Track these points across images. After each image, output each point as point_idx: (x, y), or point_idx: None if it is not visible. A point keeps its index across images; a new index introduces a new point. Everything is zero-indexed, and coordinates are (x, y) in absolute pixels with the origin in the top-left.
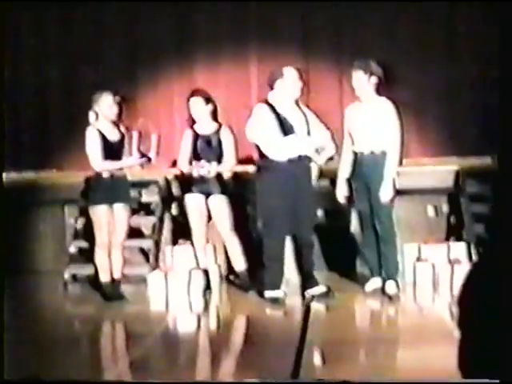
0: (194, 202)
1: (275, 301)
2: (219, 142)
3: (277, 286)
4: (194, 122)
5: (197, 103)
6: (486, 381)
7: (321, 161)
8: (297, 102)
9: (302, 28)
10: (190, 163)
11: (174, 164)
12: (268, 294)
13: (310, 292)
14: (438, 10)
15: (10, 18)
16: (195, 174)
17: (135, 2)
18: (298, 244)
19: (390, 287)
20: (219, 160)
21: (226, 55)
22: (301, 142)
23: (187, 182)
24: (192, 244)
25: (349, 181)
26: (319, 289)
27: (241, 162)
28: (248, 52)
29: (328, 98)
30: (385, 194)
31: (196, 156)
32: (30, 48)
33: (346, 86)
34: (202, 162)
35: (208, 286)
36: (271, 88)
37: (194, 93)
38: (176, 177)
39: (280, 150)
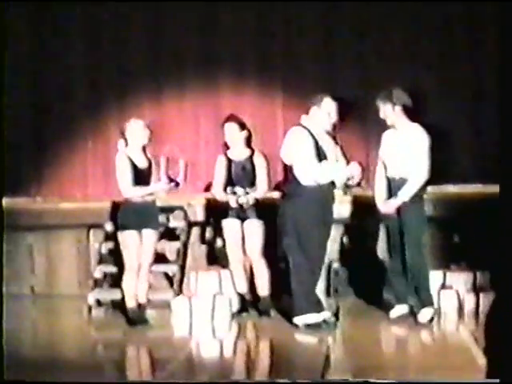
0: (230, 227)
1: (316, 326)
2: (253, 168)
3: (317, 310)
4: (227, 147)
5: (231, 129)
6: (486, 381)
7: (345, 189)
8: (328, 132)
9: (328, 57)
10: (225, 189)
11: (207, 189)
12: (306, 319)
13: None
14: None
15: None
16: (234, 205)
17: (160, 27)
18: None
19: (426, 314)
20: (252, 185)
21: (251, 83)
22: (335, 169)
23: (223, 208)
24: (229, 270)
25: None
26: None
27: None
28: (273, 80)
29: (353, 128)
30: (385, 205)
31: (230, 182)
32: (52, 73)
33: (372, 115)
34: (237, 188)
35: (234, 311)
36: (306, 112)
37: (228, 119)
38: (208, 201)
39: (315, 174)
